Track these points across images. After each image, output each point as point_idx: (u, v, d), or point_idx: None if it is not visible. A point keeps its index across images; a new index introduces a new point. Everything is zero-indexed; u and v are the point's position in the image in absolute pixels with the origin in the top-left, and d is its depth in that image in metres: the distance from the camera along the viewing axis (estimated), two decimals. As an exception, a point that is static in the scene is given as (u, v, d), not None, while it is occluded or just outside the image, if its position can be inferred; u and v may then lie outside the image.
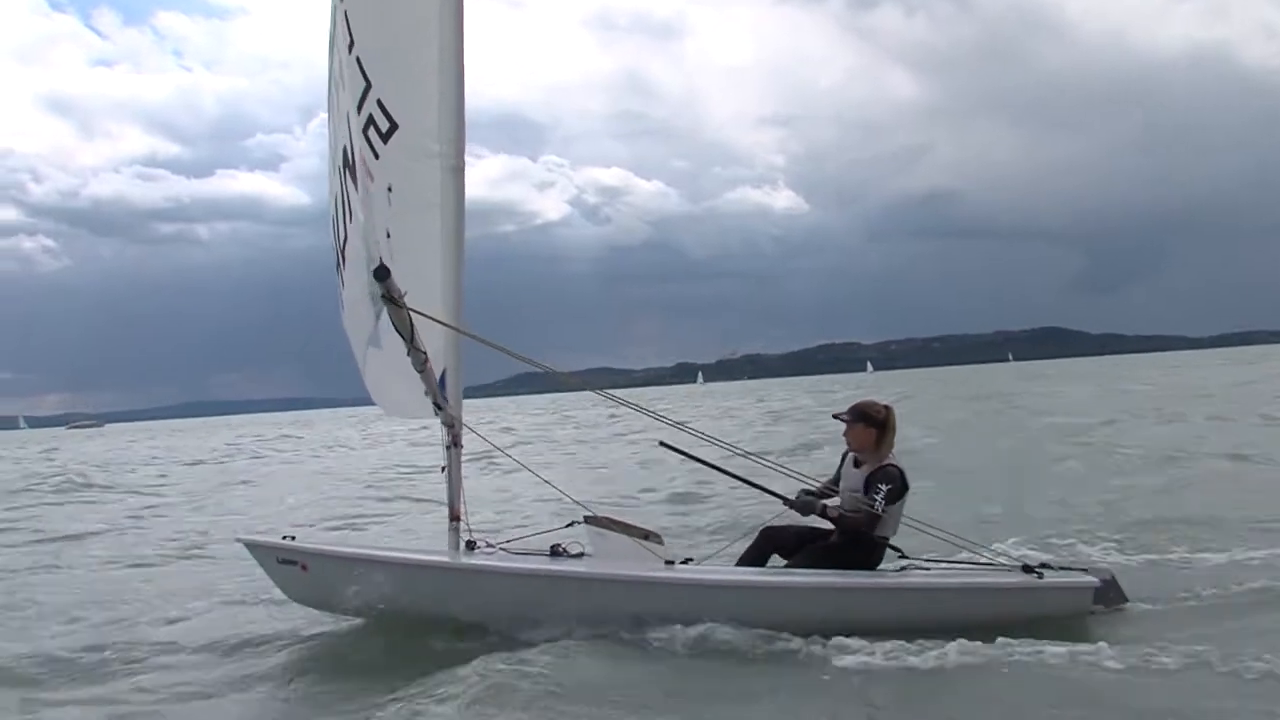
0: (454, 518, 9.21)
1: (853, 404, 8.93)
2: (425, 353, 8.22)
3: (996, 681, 6.95)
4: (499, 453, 11.77)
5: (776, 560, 9.00)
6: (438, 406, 8.78)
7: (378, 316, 8.30)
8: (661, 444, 9.35)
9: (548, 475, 10.64)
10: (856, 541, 8.49)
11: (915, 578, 8.54)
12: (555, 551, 9.08)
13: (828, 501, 8.65)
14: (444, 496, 9.25)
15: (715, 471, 9.42)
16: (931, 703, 6.76)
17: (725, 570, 8.92)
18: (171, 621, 10.12)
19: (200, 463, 40.43)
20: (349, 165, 8.36)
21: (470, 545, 9.12)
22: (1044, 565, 8.47)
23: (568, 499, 9.79)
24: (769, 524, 9.15)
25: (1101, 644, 7.37)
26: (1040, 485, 16.51)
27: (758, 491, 9.17)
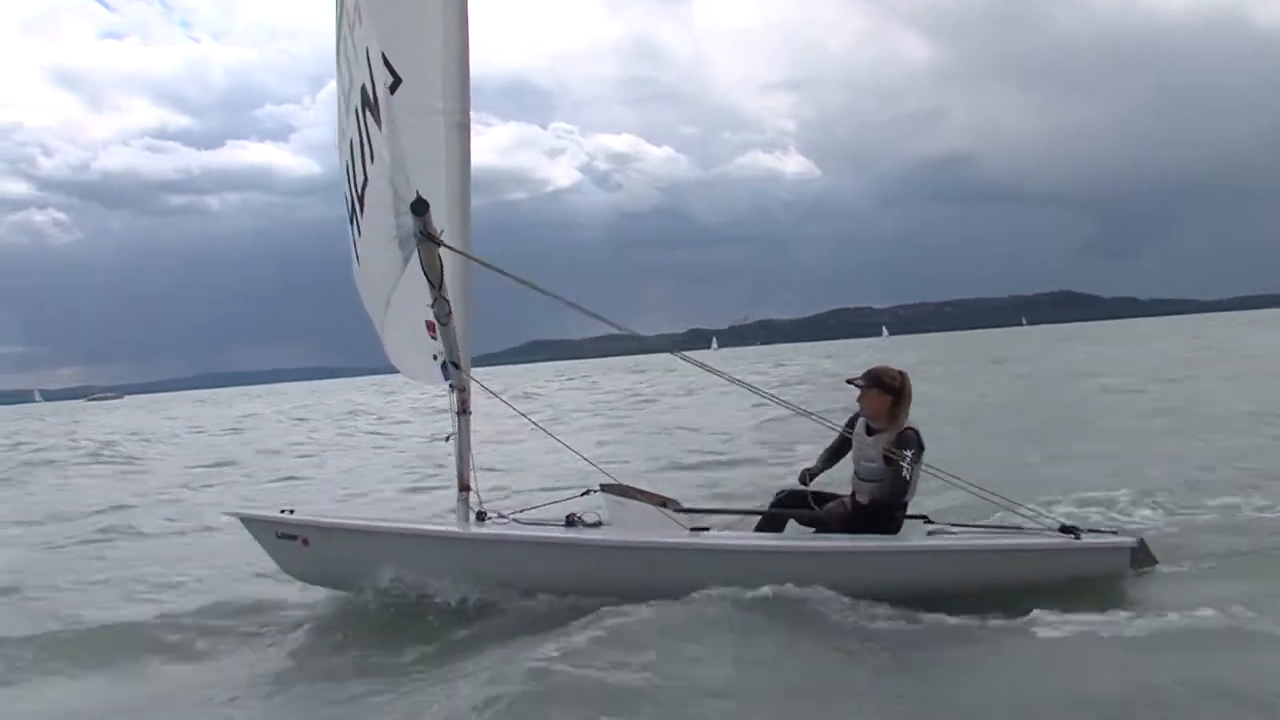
0: (464, 488, 8.94)
1: (867, 369, 8.66)
2: (450, 303, 7.96)
3: (1027, 649, 6.71)
4: (510, 421, 11.48)
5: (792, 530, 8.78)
6: (454, 365, 8.52)
7: (406, 261, 7.90)
8: (685, 509, 9.01)
9: (561, 444, 10.29)
10: (878, 510, 8.27)
11: (948, 540, 8.29)
12: (571, 521, 8.77)
13: (834, 507, 8.49)
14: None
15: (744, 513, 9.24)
16: (960, 669, 6.49)
17: (753, 536, 8.65)
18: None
19: (227, 430, 40.41)
20: (370, 104, 7.97)
21: (481, 516, 8.83)
22: (1073, 527, 8.15)
23: (592, 469, 9.48)
24: (782, 490, 8.98)
25: (1135, 608, 7.21)
26: (1145, 447, 15.64)
27: (781, 470, 8.91)
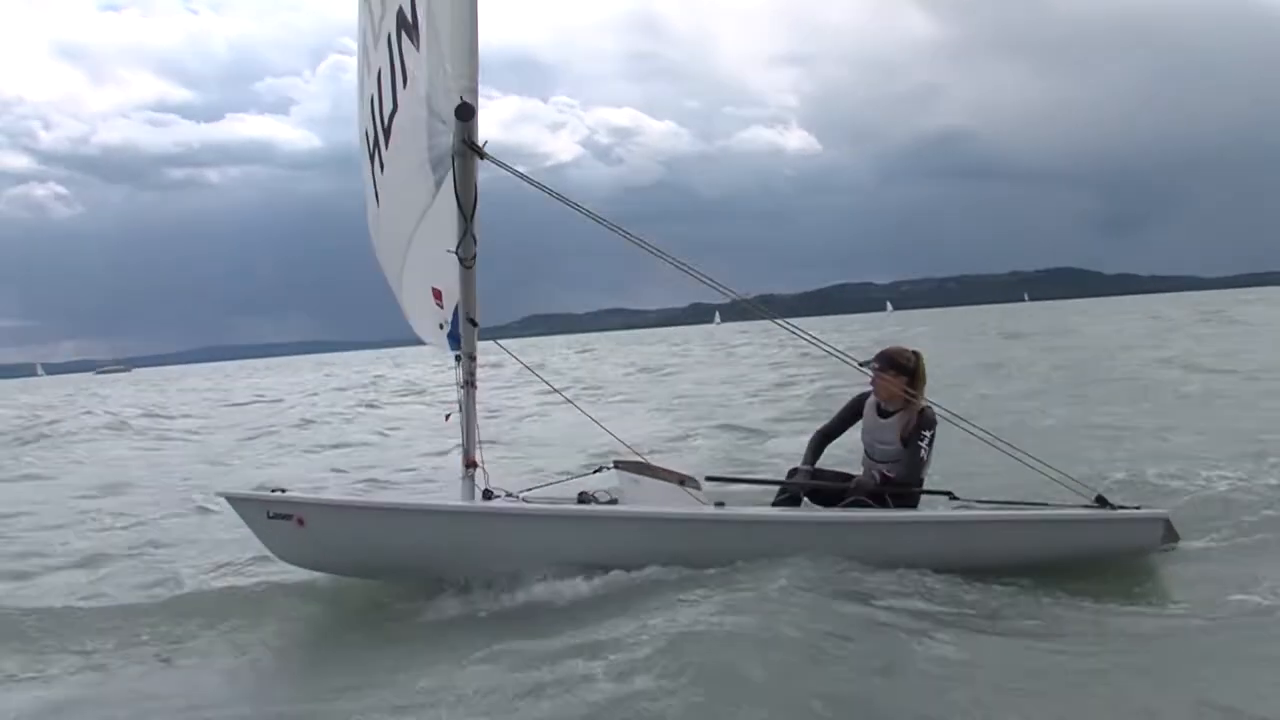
0: (469, 464, 8.50)
1: (880, 351, 8.48)
2: (476, 242, 7.49)
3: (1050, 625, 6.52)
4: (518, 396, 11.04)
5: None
6: (472, 322, 8.07)
7: (438, 186, 7.44)
8: (709, 478, 8.64)
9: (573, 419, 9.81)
10: (902, 487, 8.16)
11: (982, 511, 8.12)
12: (584, 499, 8.47)
13: (862, 479, 8.29)
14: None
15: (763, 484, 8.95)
16: (984, 648, 6.09)
17: (780, 510, 8.34)
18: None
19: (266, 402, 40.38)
20: (407, 25, 7.50)
21: (487, 495, 8.43)
22: (1106, 500, 7.89)
23: (613, 443, 9.07)
24: (793, 469, 8.70)
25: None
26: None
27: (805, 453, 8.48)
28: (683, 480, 8.32)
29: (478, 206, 7.39)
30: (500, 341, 8.81)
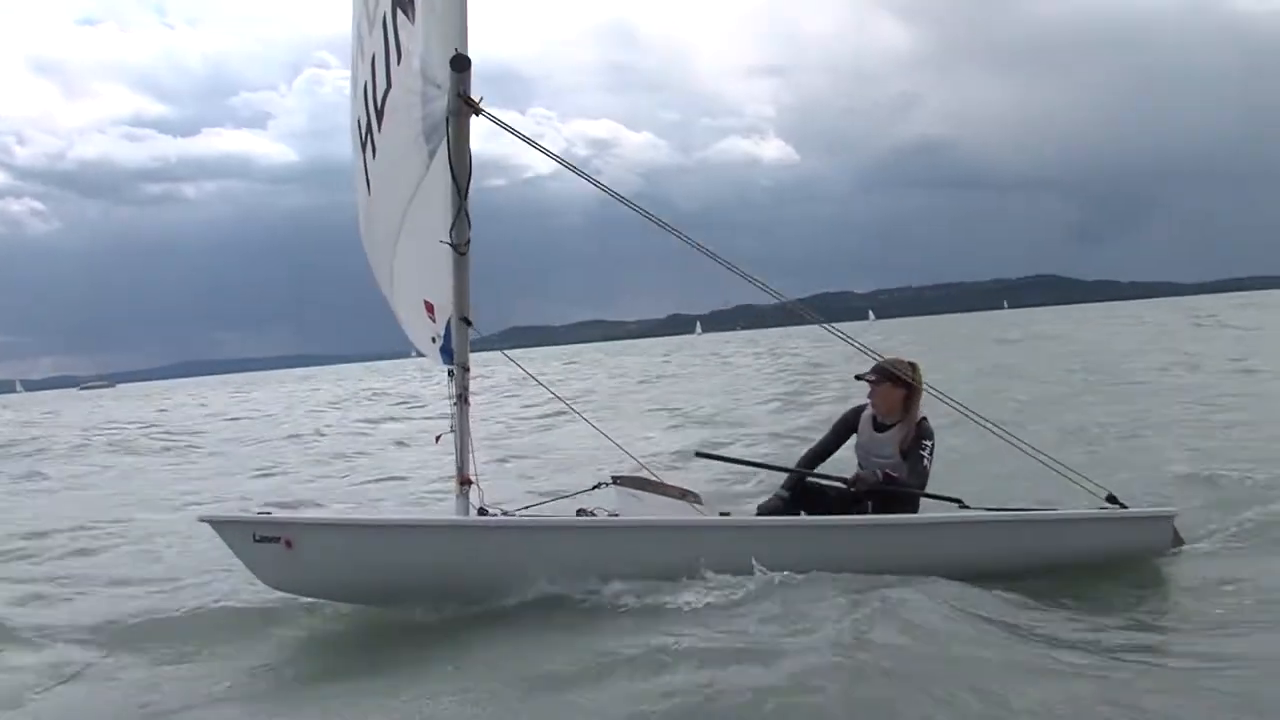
0: (463, 482, 8.22)
1: (876, 364, 8.23)
2: (470, 225, 7.19)
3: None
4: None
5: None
6: (465, 321, 7.74)
7: (431, 157, 7.15)
8: (699, 454, 8.65)
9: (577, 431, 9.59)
10: (904, 494, 8.01)
11: (991, 513, 7.92)
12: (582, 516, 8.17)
13: (864, 473, 8.17)
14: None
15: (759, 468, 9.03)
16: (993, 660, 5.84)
17: (788, 519, 8.09)
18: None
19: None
20: (404, 2, 7.29)
21: (482, 514, 8.14)
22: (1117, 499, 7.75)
23: (619, 457, 8.87)
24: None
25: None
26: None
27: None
28: (684, 494, 8.18)
29: (472, 180, 7.11)
30: (507, 352, 8.54)
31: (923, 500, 8.05)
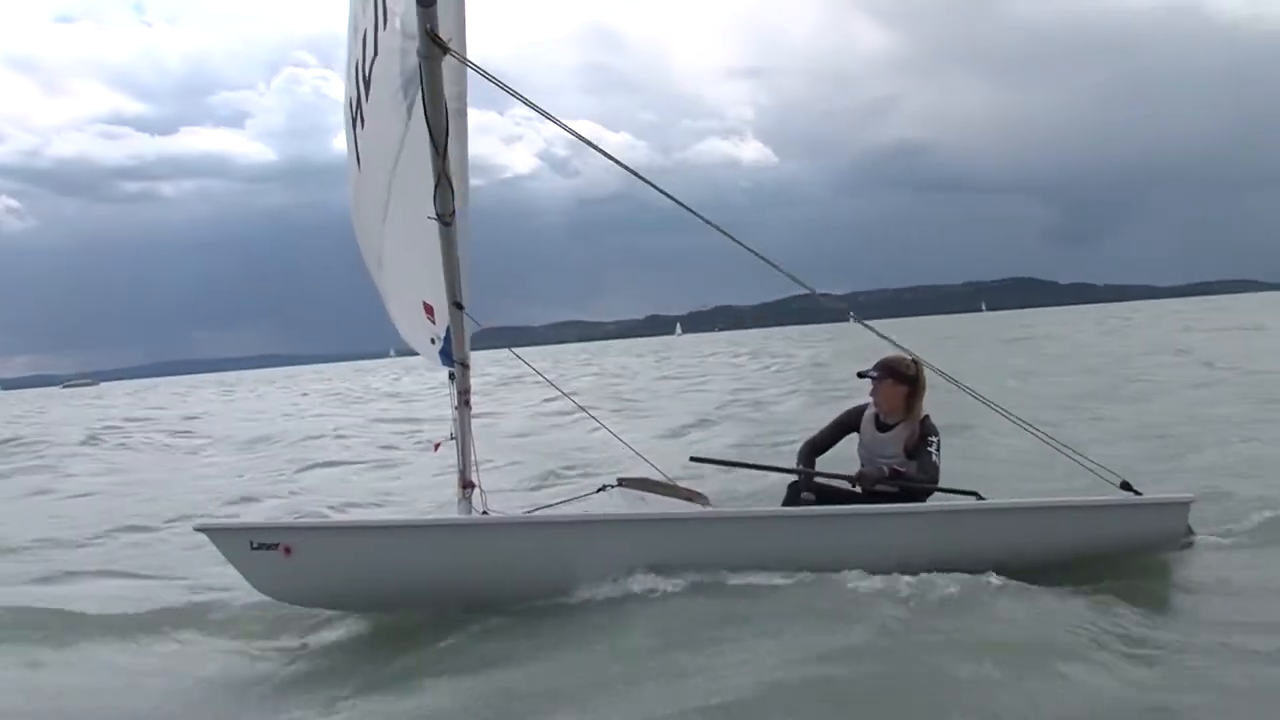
0: (466, 485, 8.07)
1: (878, 360, 8.05)
2: (454, 191, 6.75)
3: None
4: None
5: None
6: (457, 305, 7.39)
7: (409, 113, 6.79)
8: (692, 459, 8.24)
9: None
10: (914, 490, 7.78)
11: (998, 501, 7.75)
12: None
13: (868, 470, 7.91)
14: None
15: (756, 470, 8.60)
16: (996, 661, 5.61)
17: (781, 509, 7.90)
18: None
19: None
20: None
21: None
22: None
23: (630, 457, 8.71)
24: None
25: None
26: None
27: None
28: (691, 496, 8.00)
29: (450, 134, 6.63)
30: (515, 350, 8.33)
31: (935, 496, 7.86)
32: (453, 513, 8.13)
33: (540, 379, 10.70)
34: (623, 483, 8.27)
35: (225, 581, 8.04)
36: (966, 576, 6.75)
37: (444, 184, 6.61)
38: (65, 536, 12.06)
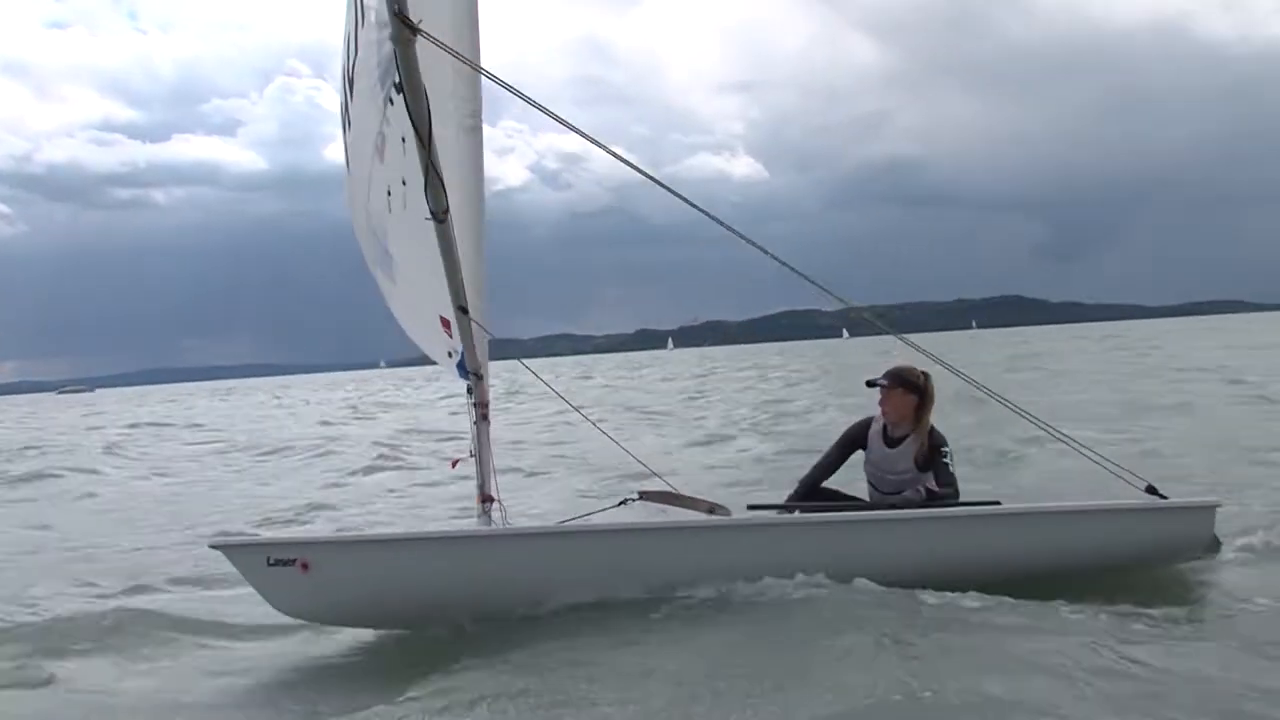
0: (485, 500, 7.97)
1: (887, 370, 7.98)
2: (445, 191, 6.42)
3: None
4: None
5: None
6: (462, 310, 7.21)
7: (387, 100, 6.43)
8: (750, 507, 8.10)
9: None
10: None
11: (1020, 505, 7.65)
12: None
13: (909, 495, 7.74)
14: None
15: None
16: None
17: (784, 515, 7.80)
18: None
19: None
20: None
21: None
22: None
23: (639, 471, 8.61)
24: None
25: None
26: None
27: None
28: (712, 509, 7.82)
29: (466, 149, 6.80)
30: (525, 362, 8.23)
31: None
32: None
33: (542, 390, 10.62)
34: (643, 495, 8.17)
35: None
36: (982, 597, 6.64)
37: (433, 179, 6.31)
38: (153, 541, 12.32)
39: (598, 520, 7.94)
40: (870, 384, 8.05)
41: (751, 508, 7.98)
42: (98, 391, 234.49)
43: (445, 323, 7.62)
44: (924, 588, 6.72)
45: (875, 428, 7.98)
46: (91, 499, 17.66)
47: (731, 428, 24.03)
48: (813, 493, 8.03)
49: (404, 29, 5.77)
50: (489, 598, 7.05)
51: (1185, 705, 4.95)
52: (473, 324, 7.49)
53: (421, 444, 24.25)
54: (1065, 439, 7.59)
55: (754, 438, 21.28)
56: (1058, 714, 4.79)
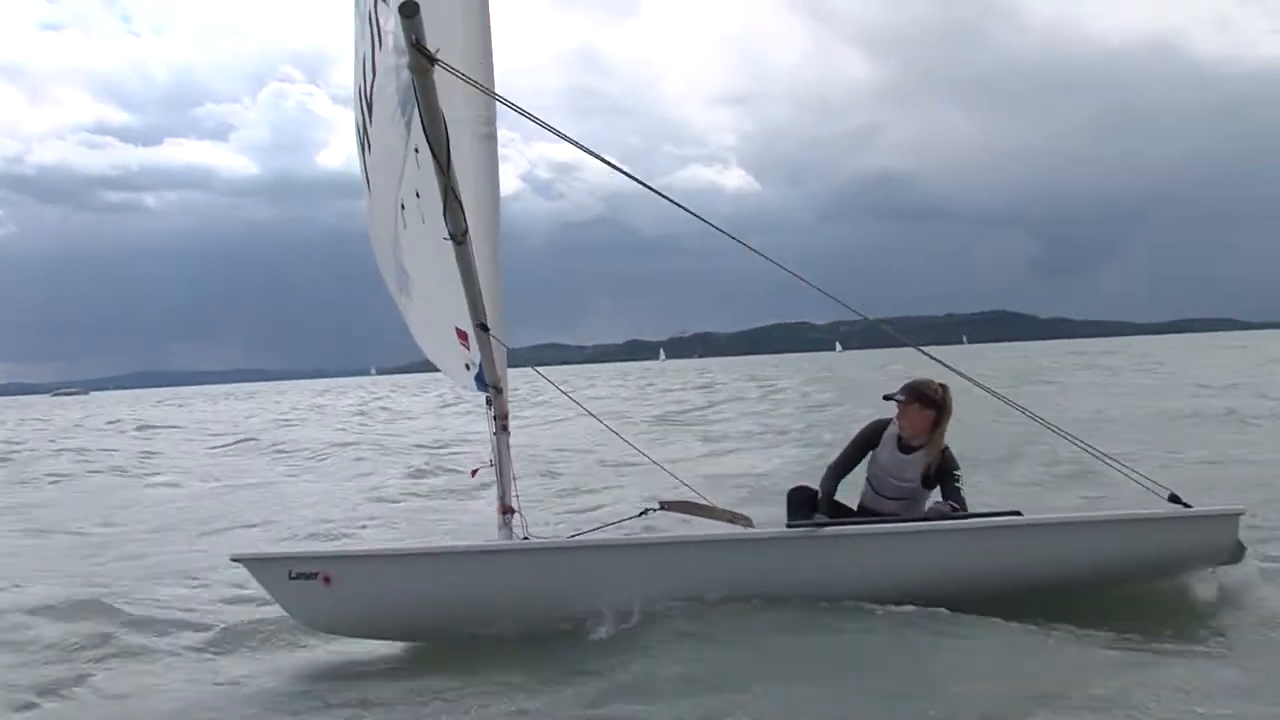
0: (506, 511, 7.91)
1: (905, 383, 7.97)
2: (465, 215, 6.42)
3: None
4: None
5: None
6: (482, 328, 7.23)
7: (408, 128, 6.55)
8: (790, 524, 7.90)
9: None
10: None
11: (1042, 515, 7.68)
12: None
13: (940, 506, 7.66)
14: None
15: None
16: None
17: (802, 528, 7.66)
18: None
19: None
20: None
21: None
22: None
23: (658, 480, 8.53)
24: (796, 486, 8.22)
25: None
26: None
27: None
28: (734, 518, 7.81)
29: (480, 159, 6.81)
30: (538, 368, 8.17)
31: None
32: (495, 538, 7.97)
33: (540, 397, 10.59)
34: (665, 506, 8.10)
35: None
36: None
37: (452, 202, 6.35)
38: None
39: (618, 530, 7.94)
40: (888, 398, 8.01)
41: (791, 525, 7.91)
42: (92, 394, 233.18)
43: (461, 334, 7.64)
44: (954, 600, 6.78)
45: (892, 429, 7.98)
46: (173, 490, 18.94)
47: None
48: (831, 504, 7.97)
49: (421, 59, 5.78)
50: (508, 612, 7.07)
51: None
52: (491, 339, 7.49)
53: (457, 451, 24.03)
54: (1093, 450, 7.52)
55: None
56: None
